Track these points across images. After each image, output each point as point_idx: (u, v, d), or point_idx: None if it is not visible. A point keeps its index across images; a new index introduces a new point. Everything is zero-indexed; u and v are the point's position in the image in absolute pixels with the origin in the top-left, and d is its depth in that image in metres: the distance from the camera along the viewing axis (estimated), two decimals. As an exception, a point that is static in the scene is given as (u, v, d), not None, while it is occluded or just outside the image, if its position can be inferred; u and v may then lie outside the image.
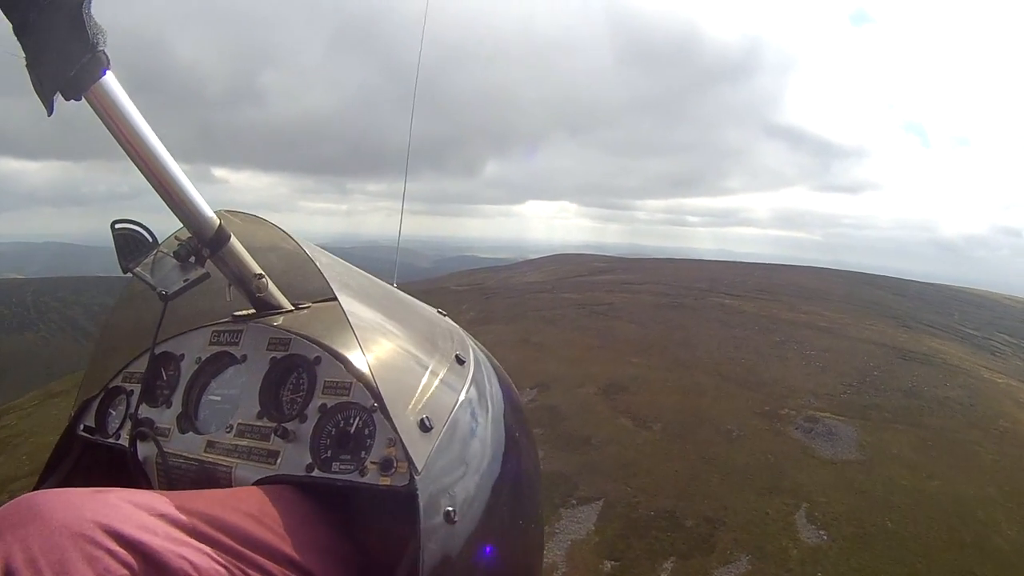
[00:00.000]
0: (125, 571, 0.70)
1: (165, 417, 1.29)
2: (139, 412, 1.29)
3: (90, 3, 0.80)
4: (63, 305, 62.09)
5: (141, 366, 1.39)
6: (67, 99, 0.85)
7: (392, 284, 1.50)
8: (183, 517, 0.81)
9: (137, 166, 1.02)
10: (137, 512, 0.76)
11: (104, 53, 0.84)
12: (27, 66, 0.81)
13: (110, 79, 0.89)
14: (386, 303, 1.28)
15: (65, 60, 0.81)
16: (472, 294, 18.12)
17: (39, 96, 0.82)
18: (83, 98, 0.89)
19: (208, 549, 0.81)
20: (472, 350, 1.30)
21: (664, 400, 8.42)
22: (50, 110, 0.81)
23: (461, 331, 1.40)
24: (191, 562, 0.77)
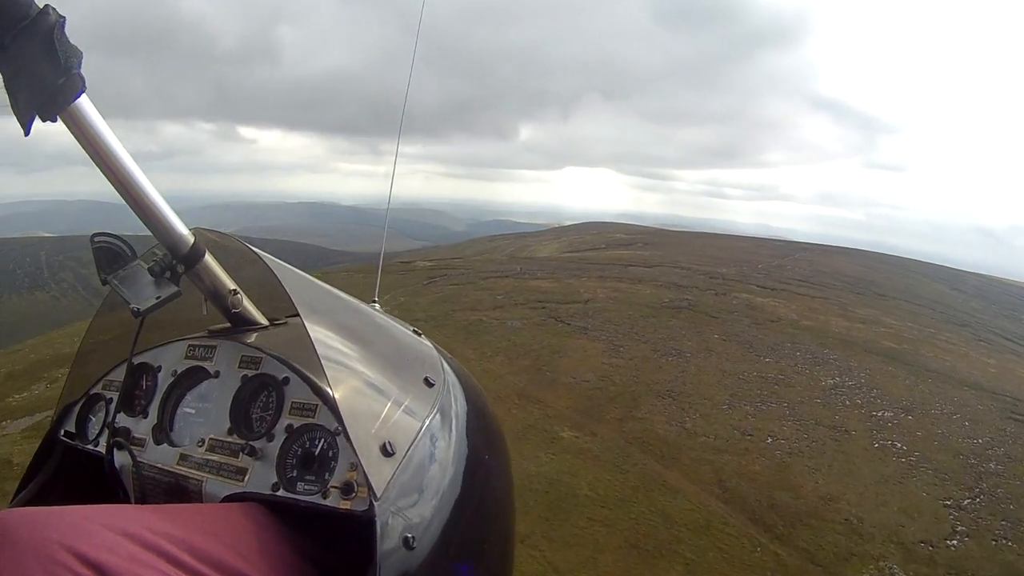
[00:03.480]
0: None
1: (142, 427, 1.33)
2: (116, 421, 1.35)
3: (63, 27, 0.85)
4: (78, 264, 61.14)
5: (120, 375, 1.42)
6: (43, 120, 0.89)
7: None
8: (147, 535, 0.84)
9: (112, 185, 1.08)
10: (100, 531, 0.80)
11: (79, 75, 0.89)
12: (4, 87, 0.86)
13: (85, 101, 0.95)
14: (356, 324, 1.34)
15: (40, 83, 0.86)
16: (415, 276, 14.22)
17: (16, 116, 0.87)
18: (59, 119, 0.93)
19: (170, 568, 0.84)
20: (444, 370, 1.34)
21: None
22: (27, 130, 0.88)
23: (434, 350, 1.43)
24: None
